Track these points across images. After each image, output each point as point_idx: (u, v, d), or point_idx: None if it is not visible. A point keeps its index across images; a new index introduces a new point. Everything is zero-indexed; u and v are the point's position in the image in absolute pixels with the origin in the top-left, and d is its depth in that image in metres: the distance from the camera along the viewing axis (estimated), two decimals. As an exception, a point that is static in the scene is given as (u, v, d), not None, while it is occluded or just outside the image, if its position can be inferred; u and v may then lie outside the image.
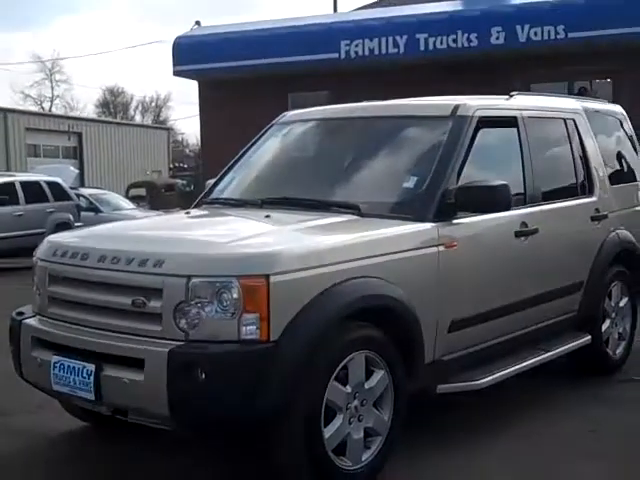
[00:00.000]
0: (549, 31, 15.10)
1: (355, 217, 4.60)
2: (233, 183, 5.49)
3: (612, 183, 6.33)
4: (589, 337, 5.81)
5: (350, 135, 5.33)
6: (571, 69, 15.66)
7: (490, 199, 4.63)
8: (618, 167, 6.65)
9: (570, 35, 14.95)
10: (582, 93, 14.45)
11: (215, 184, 5.62)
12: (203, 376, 3.69)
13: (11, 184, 15.32)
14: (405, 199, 4.72)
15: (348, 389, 4.04)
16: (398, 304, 4.23)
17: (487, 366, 4.91)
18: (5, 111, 31.89)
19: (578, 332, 5.85)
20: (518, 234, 5.10)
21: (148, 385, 3.79)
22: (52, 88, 55.18)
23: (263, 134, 5.77)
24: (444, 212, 4.61)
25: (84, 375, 3.97)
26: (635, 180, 6.84)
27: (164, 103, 61.54)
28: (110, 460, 4.61)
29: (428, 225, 4.53)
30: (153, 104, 61.57)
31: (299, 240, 4.14)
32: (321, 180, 5.11)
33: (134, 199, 23.10)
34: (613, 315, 6.21)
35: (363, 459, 4.14)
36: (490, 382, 4.81)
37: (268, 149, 5.63)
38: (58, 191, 16.15)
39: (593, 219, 5.91)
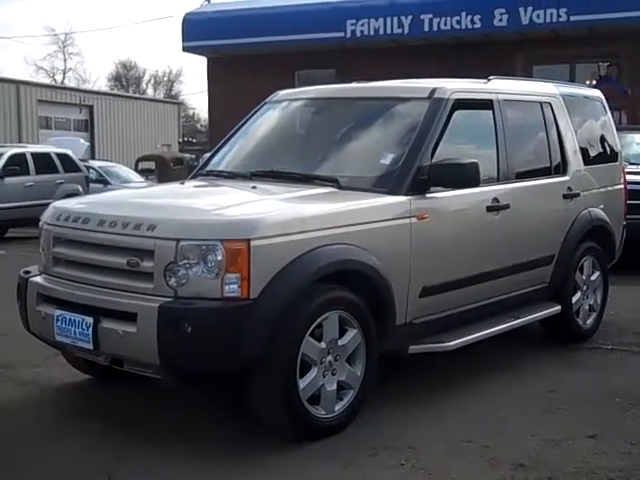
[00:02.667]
0: (551, 14, 15.41)
1: (334, 190, 5.00)
2: (226, 157, 5.90)
3: (588, 163, 6.70)
4: (559, 307, 6.20)
5: (335, 114, 5.73)
6: (573, 51, 15.97)
7: (460, 176, 5.02)
8: (596, 148, 7.02)
9: (572, 18, 15.26)
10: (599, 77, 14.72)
11: (210, 157, 6.04)
12: (189, 329, 4.11)
13: (22, 155, 15.77)
14: (381, 174, 5.11)
15: (323, 345, 4.46)
16: (370, 269, 4.63)
17: (458, 330, 5.32)
18: (18, 83, 32.34)
19: (549, 302, 6.24)
20: (490, 209, 5.49)
21: (140, 337, 4.21)
22: (65, 61, 55.69)
23: (256, 112, 6.17)
24: (417, 187, 5.01)
25: (83, 327, 4.41)
26: (615, 161, 7.21)
27: (176, 78, 61.92)
28: (109, 408, 5.05)
29: (402, 198, 4.92)
30: (165, 78, 61.93)
31: (280, 209, 4.55)
32: (306, 155, 5.53)
33: (143, 172, 23.48)
34: (584, 288, 6.60)
35: (336, 409, 4.56)
36: (459, 344, 5.22)
37: (259, 126, 6.03)
38: (68, 163, 16.58)
39: (565, 197, 6.28)
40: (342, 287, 4.56)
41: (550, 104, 6.35)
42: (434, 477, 4.05)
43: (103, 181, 19.43)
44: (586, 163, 6.66)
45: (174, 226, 4.29)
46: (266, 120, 6.06)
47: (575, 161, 6.49)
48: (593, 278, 6.70)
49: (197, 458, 4.26)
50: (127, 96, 42.55)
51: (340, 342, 4.56)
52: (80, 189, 16.13)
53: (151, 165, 25.32)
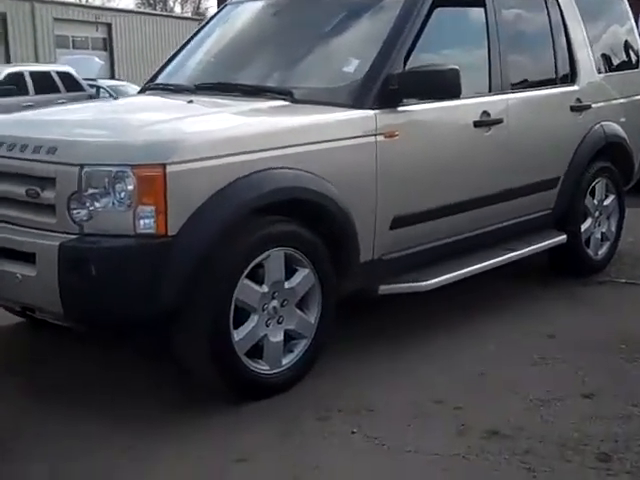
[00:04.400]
0: None
1: (286, 103, 4.23)
2: (176, 68, 5.13)
3: (604, 71, 5.84)
4: (564, 236, 5.43)
5: (296, 16, 4.91)
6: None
7: (438, 85, 4.20)
8: (614, 53, 6.12)
9: None
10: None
11: (160, 69, 5.26)
12: (95, 272, 3.42)
13: (20, 74, 15.09)
14: (343, 84, 4.31)
15: (264, 288, 3.75)
16: (324, 198, 3.88)
17: (437, 267, 4.57)
18: (32, 1, 31.36)
19: (553, 231, 5.47)
20: (478, 124, 4.67)
21: (40, 281, 3.52)
22: (88, -23, 54.25)
23: (215, 15, 5.37)
24: (386, 99, 4.21)
25: (-19, 269, 3.73)
26: (637, 67, 6.31)
27: (204, -6, 60.25)
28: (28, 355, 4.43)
29: (366, 113, 4.13)
30: (193, -5, 60.32)
31: (209, 126, 3.78)
32: (260, 64, 4.75)
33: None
34: (596, 214, 5.80)
35: (284, 363, 3.88)
36: (438, 284, 4.48)
37: (215, 32, 5.26)
38: (70, 82, 15.88)
39: (573, 110, 5.44)
40: (288, 219, 3.82)
41: (557, 1, 5.45)
42: (385, 451, 3.36)
43: (111, 101, 18.65)
44: (601, 71, 5.79)
45: (77, 148, 3.56)
46: (222, 25, 5.27)
47: (586, 68, 5.63)
48: (606, 203, 5.89)
49: (118, 421, 3.62)
50: (147, 13, 41.36)
51: (287, 284, 3.85)
52: (81, 109, 15.38)
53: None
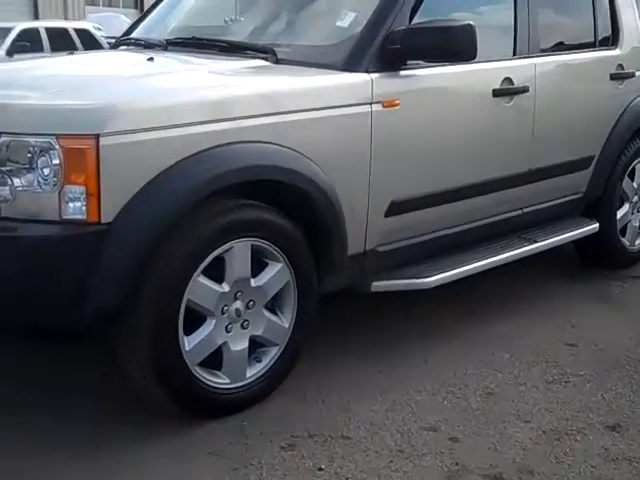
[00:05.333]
0: None
1: (266, 63, 3.55)
2: (151, 22, 4.44)
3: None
4: (596, 225, 4.71)
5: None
6: None
7: (449, 44, 3.49)
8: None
9: None
10: None
11: (137, 21, 4.59)
12: (10, 265, 2.80)
13: (35, 30, 14.52)
14: (335, 42, 3.61)
15: (224, 287, 3.10)
16: (303, 179, 3.22)
17: (441, 261, 3.89)
18: (62, -45, 30.70)
19: (583, 219, 4.75)
20: (498, 93, 3.96)
21: (-52, 276, 2.91)
22: None
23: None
24: (386, 61, 3.52)
25: None
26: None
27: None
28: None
29: (360, 77, 3.44)
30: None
31: (161, 90, 3.10)
32: (242, 17, 4.05)
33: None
34: (634, 199, 5.07)
35: (248, 375, 3.24)
36: (441, 281, 3.79)
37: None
38: (87, 38, 15.25)
39: (614, 78, 4.68)
40: (257, 204, 3.16)
41: (598, -50, 4.69)
42: (356, 500, 2.72)
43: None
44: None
45: (-4, 113, 2.92)
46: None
47: (631, 30, 4.88)
48: (648, 186, 5.15)
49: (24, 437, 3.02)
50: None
51: (255, 282, 3.19)
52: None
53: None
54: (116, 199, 2.81)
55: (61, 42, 14.65)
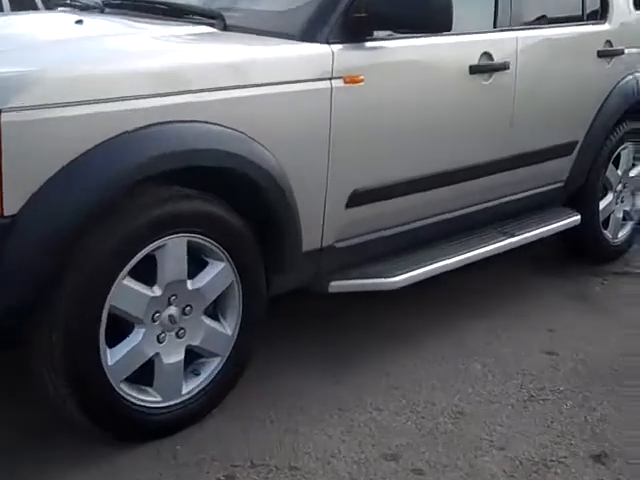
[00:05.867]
0: None
1: (212, 30, 3.10)
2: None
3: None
4: (578, 217, 4.31)
5: None
6: None
7: (421, 13, 3.04)
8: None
9: None
10: None
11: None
12: None
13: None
14: (292, 7, 3.15)
15: (156, 291, 2.66)
16: (249, 165, 2.77)
17: (410, 257, 3.48)
18: None
19: (564, 209, 4.36)
20: (475, 69, 3.53)
21: None
22: None
23: None
24: (349, 30, 3.07)
25: None
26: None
27: None
28: None
29: (318, 47, 2.99)
30: None
31: (81, 59, 2.62)
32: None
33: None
34: (619, 188, 4.68)
35: (184, 392, 2.81)
36: (409, 280, 3.38)
37: None
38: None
39: (601, 55, 4.26)
40: (195, 194, 2.71)
41: None
42: None
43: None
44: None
45: None
46: None
47: (621, 4, 4.45)
48: (633, 174, 4.75)
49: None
50: None
51: (192, 284, 2.76)
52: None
53: None
54: (22, 188, 2.35)
55: (22, 2, 13.98)
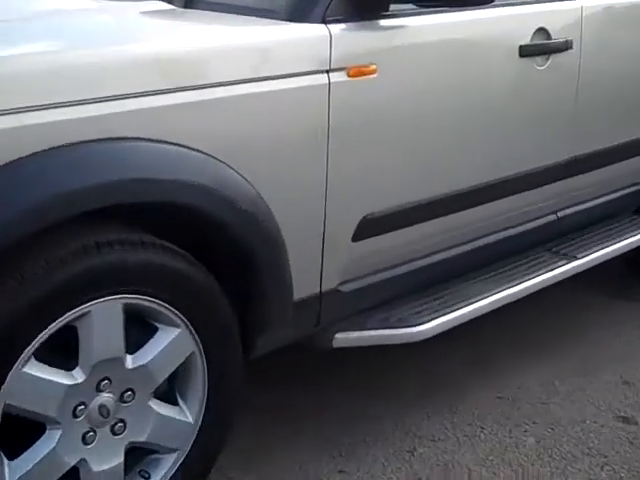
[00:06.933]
0: None
1: (169, 7, 2.32)
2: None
3: None
4: (657, 228, 3.46)
5: None
6: None
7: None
8: None
9: None
10: None
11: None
12: None
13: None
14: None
15: (76, 376, 1.91)
16: (211, 199, 2.00)
17: (440, 296, 2.69)
18: None
19: (638, 220, 3.51)
20: (528, 51, 2.70)
21: None
22: None
23: None
24: (356, 4, 2.26)
25: None
26: None
27: None
28: None
29: (311, 29, 2.20)
30: None
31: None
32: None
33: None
34: None
35: (127, 505, 2.08)
36: (440, 328, 2.59)
37: None
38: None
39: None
40: (139, 240, 1.95)
41: None
42: None
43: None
44: None
45: None
46: None
47: None
48: None
49: None
50: None
51: (132, 362, 1.99)
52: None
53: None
54: None
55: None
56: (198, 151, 1.98)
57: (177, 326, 2.04)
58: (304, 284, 2.32)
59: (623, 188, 3.36)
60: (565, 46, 2.80)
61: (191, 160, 1.97)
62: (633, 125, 3.24)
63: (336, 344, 2.50)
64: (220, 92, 2.02)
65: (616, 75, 3.04)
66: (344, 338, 2.51)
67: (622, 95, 3.11)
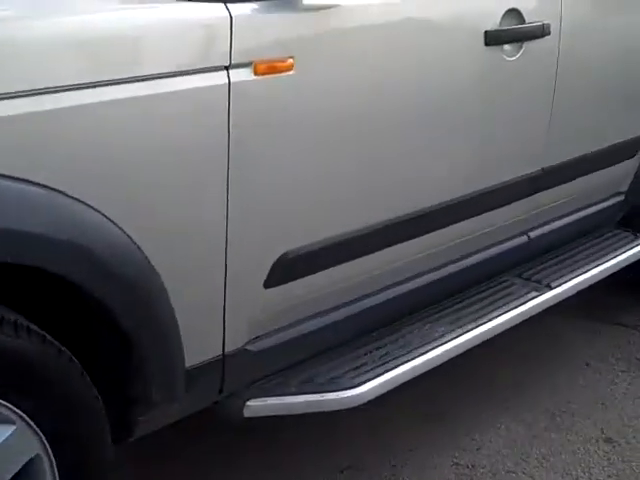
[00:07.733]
0: None
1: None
2: None
3: None
4: (644, 244, 2.95)
5: None
6: None
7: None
8: None
9: None
10: None
11: None
12: None
13: None
14: None
15: None
16: (60, 254, 1.44)
17: (381, 348, 2.14)
18: None
19: (622, 234, 2.99)
20: (495, 38, 2.14)
21: None
22: None
23: None
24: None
25: None
26: None
27: None
28: None
29: (205, 9, 1.62)
30: None
31: None
32: None
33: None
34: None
35: None
36: (382, 388, 2.05)
37: None
38: None
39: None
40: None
41: None
42: None
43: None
44: None
45: None
46: None
47: None
48: None
49: None
50: None
51: None
52: None
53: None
54: None
55: None
56: (54, 190, 1.41)
57: (10, 422, 1.48)
58: (200, 348, 1.78)
59: (600, 200, 2.83)
60: (541, 32, 2.25)
61: (27, 199, 1.39)
62: (619, 127, 2.72)
63: (248, 413, 1.96)
64: (68, 100, 1.44)
65: (601, 67, 2.51)
66: (258, 406, 1.96)
67: (607, 91, 2.58)
